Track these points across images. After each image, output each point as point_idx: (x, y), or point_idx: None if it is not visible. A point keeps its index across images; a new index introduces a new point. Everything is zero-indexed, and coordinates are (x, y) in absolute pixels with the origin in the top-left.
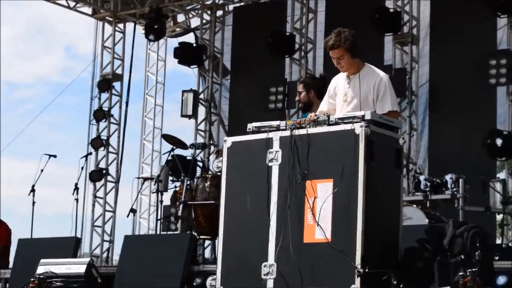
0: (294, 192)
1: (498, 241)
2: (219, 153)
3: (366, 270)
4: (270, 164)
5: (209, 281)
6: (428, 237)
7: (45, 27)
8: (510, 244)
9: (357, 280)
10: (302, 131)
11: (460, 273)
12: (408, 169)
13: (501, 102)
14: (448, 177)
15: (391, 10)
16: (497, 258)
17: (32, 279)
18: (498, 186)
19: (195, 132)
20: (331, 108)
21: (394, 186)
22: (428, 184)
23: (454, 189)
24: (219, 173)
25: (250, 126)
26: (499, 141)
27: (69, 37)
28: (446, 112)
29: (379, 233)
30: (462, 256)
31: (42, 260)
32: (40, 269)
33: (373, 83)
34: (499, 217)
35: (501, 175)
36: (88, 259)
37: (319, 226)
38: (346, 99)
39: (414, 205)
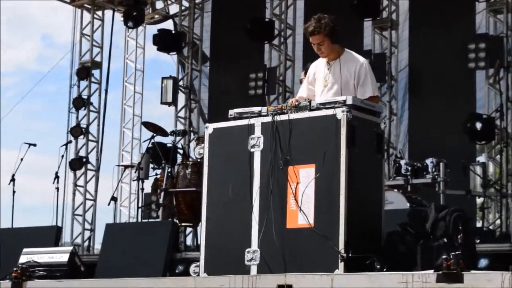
0: (276, 178)
1: (478, 224)
2: (199, 140)
3: (350, 255)
4: (252, 150)
5: (192, 267)
6: (410, 221)
7: (22, 16)
8: (490, 227)
9: (341, 265)
10: (284, 117)
11: (443, 256)
12: (388, 154)
13: (480, 86)
14: (428, 161)
15: None
16: (478, 241)
17: (14, 269)
18: (478, 170)
19: (175, 119)
20: (311, 94)
21: (376, 171)
22: (409, 168)
23: (435, 173)
24: (200, 160)
25: (232, 112)
26: (478, 125)
27: (46, 26)
28: (426, 97)
29: (361, 217)
30: (445, 240)
31: (25, 250)
32: (23, 259)
33: (354, 69)
34: (479, 200)
35: (480, 158)
36: (71, 248)
37: (301, 212)
38: (327, 85)
39: (395, 190)
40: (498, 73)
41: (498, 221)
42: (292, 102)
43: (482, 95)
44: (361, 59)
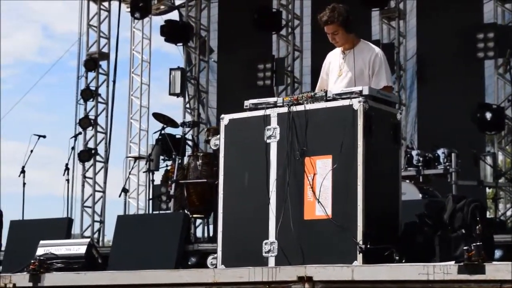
0: (293, 169)
1: (490, 215)
2: (210, 131)
3: (368, 246)
4: (268, 141)
5: (210, 259)
6: (428, 212)
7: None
8: (502, 218)
9: (359, 256)
10: (300, 108)
11: (465, 247)
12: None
13: (489, 75)
14: (440, 152)
15: None
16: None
17: (32, 261)
18: (489, 160)
19: (183, 110)
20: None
21: (393, 161)
22: (421, 159)
23: (447, 163)
24: (214, 151)
25: (247, 103)
26: (488, 115)
27: (46, 16)
28: (434, 86)
29: (379, 208)
30: (463, 231)
31: (42, 242)
32: (40, 251)
33: (368, 58)
34: (489, 190)
35: (489, 148)
36: (88, 240)
37: (319, 203)
38: (341, 74)
39: (407, 180)
40: (508, 63)
41: (509, 212)
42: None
43: (491, 84)
44: (377, 49)
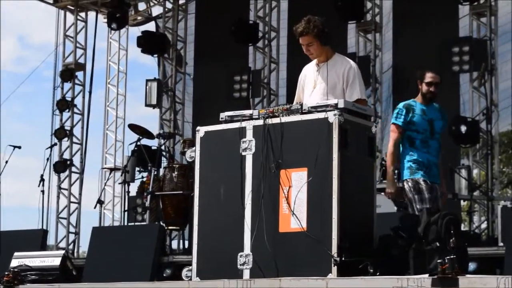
0: (268, 182)
1: (464, 228)
2: (185, 143)
3: (343, 259)
4: (243, 153)
5: (184, 272)
6: (402, 225)
7: None
8: (476, 231)
9: (334, 269)
10: (275, 120)
11: (438, 261)
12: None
13: (464, 89)
14: None
15: None
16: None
17: (6, 273)
18: (464, 173)
19: (160, 121)
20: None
21: (368, 175)
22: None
23: None
24: (190, 163)
25: (223, 115)
26: (463, 128)
27: (22, 26)
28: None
29: (354, 221)
30: (437, 244)
31: (16, 253)
32: (14, 262)
33: (342, 72)
34: (463, 203)
35: (464, 161)
36: (62, 252)
37: (294, 216)
38: (315, 86)
39: (382, 193)
40: (483, 76)
41: (483, 225)
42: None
43: (467, 98)
44: (351, 62)
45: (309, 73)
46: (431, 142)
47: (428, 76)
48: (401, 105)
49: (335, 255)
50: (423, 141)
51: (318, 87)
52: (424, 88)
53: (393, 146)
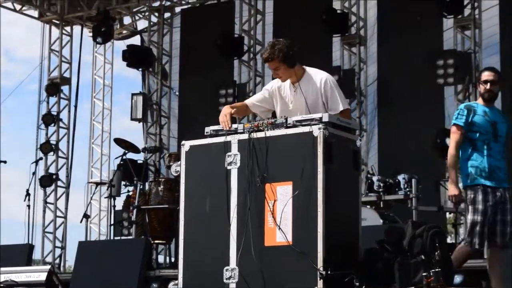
0: (253, 196)
1: (450, 240)
2: (171, 157)
3: (329, 272)
4: (229, 167)
5: (171, 286)
6: (388, 238)
7: None
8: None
9: (320, 282)
10: (260, 134)
11: (423, 273)
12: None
13: (449, 101)
14: (400, 177)
15: (339, 11)
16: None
17: None
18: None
19: (145, 135)
20: (264, 104)
21: (353, 188)
22: (381, 184)
23: (407, 189)
24: (175, 177)
25: (208, 129)
26: (448, 141)
27: (7, 40)
28: (395, 112)
29: (339, 234)
30: (422, 256)
31: (2, 269)
32: (0, 278)
33: (318, 87)
34: (449, 215)
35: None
36: (48, 267)
37: (280, 229)
38: (292, 108)
39: (368, 206)
40: (468, 89)
41: None
42: (225, 119)
43: (452, 111)
44: (322, 74)
45: (285, 89)
46: (494, 145)
47: (484, 75)
48: (462, 106)
49: (321, 268)
50: (485, 143)
51: (296, 109)
52: (481, 87)
53: (454, 148)
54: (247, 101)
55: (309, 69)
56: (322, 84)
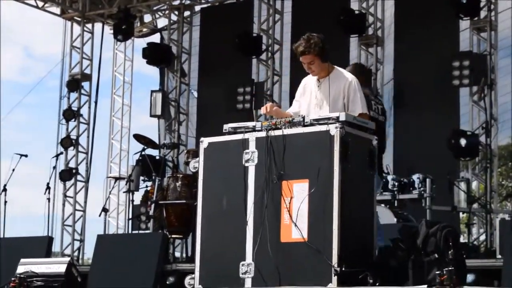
0: (270, 192)
1: (463, 240)
2: (189, 153)
3: (343, 269)
4: (246, 164)
5: (187, 280)
6: (402, 236)
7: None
8: (475, 243)
9: (334, 279)
10: (278, 132)
11: (437, 272)
12: None
13: (464, 102)
14: (415, 177)
15: (356, 12)
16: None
17: (12, 279)
18: (463, 186)
19: (164, 132)
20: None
21: (368, 187)
22: (396, 184)
23: (421, 188)
24: (193, 173)
25: (226, 126)
26: (463, 142)
27: (27, 37)
28: (410, 112)
29: (354, 232)
30: (436, 255)
31: (22, 260)
32: (20, 269)
33: (342, 87)
34: (462, 215)
35: (463, 174)
36: (68, 259)
37: (296, 226)
38: (317, 103)
39: (382, 205)
40: (483, 90)
41: (482, 237)
42: (267, 107)
43: (466, 112)
44: (350, 76)
45: (309, 85)
46: None
47: None
48: None
49: (336, 265)
50: None
51: (320, 104)
52: None
53: None
54: (294, 110)
55: (337, 68)
56: (347, 84)
